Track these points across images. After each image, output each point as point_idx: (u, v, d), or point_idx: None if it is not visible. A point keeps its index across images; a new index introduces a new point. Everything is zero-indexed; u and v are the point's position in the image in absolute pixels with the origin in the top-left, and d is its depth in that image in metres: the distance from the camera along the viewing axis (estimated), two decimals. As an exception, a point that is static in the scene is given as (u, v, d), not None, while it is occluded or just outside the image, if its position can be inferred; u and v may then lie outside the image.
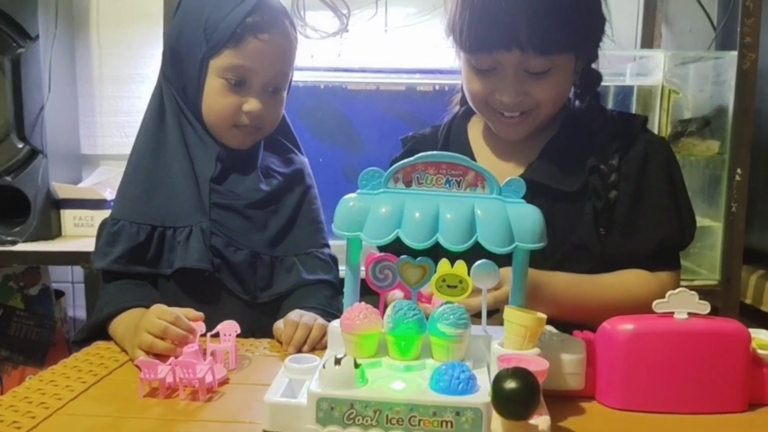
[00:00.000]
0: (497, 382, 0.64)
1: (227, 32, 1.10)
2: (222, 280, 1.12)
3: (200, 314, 0.97)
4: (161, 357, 0.90)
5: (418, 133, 1.26)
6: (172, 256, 1.12)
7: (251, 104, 1.14)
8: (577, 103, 1.16)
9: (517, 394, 0.63)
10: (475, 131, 1.21)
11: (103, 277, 1.15)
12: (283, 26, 1.15)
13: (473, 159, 1.10)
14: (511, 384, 0.63)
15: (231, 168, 1.18)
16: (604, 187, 1.08)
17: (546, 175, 1.09)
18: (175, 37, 1.16)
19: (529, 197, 1.07)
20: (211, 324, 0.94)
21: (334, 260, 1.26)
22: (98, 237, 1.17)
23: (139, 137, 1.20)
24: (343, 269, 0.87)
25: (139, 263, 1.11)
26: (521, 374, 0.64)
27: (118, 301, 1.07)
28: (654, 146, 1.12)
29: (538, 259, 1.07)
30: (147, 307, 0.99)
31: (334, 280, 1.22)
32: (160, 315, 0.94)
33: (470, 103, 1.14)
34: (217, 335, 0.93)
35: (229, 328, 0.94)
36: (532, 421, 0.67)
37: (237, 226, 1.15)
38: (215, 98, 1.14)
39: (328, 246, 1.27)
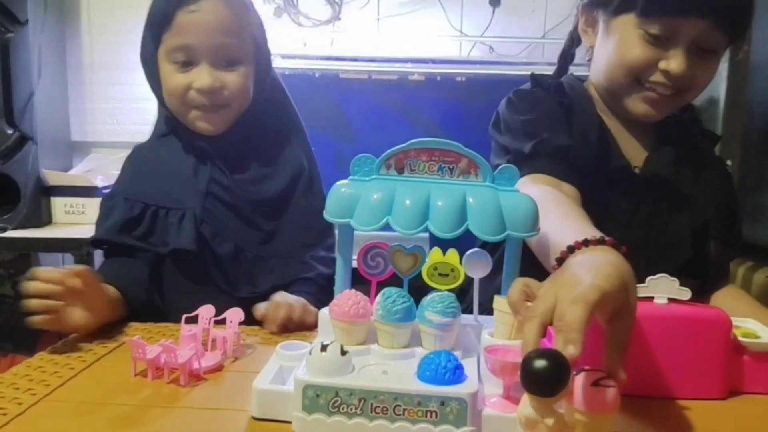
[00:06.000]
0: (525, 362, 0.57)
1: (161, 18, 1.10)
2: (206, 267, 1.13)
3: (81, 267, 0.96)
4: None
5: (551, 79, 1.18)
6: (166, 236, 1.13)
7: (199, 80, 1.11)
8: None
9: (545, 371, 0.55)
10: None
11: (103, 253, 1.18)
12: None
13: (604, 129, 1.11)
14: (540, 362, 0.56)
15: (226, 159, 1.18)
16: (705, 195, 1.12)
17: (665, 169, 1.10)
18: (140, 53, 1.17)
19: (644, 190, 1.09)
20: (194, 308, 0.93)
21: (325, 261, 1.24)
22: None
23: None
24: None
25: (130, 235, 1.12)
26: (550, 353, 0.57)
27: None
28: (724, 161, 1.25)
29: (629, 255, 1.09)
30: (114, 284, 1.03)
31: (315, 277, 1.20)
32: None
33: (614, 76, 1.08)
34: (223, 321, 0.92)
35: (234, 315, 0.92)
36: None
37: (226, 219, 1.16)
38: (166, 82, 1.13)
39: (323, 244, 1.24)
